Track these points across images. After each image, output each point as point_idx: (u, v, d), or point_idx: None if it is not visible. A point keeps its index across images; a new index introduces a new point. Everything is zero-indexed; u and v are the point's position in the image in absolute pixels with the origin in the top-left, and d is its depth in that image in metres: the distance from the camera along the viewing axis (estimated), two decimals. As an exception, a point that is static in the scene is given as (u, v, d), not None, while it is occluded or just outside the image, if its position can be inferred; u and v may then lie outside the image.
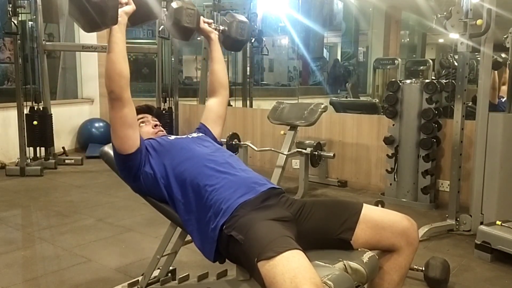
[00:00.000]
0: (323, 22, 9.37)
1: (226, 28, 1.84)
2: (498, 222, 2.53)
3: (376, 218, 1.46)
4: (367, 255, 1.39)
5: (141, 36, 7.95)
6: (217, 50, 1.87)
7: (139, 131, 1.77)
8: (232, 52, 6.29)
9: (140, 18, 1.55)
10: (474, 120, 2.94)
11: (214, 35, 1.84)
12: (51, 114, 4.74)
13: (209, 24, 1.83)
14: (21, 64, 4.48)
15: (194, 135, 1.78)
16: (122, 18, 1.45)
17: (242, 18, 1.87)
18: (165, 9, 4.66)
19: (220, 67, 1.89)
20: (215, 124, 1.88)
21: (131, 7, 1.50)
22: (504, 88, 3.83)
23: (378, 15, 8.93)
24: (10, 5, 4.23)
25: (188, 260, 2.36)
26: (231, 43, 1.88)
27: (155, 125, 1.82)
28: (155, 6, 1.55)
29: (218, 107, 1.90)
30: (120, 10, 1.43)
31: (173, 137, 1.76)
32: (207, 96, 1.94)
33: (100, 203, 3.53)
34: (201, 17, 1.78)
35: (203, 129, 1.86)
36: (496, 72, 3.82)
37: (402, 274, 1.49)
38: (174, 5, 1.70)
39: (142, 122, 1.81)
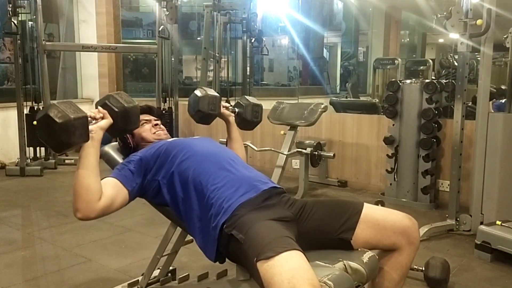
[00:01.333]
0: (323, 22, 9.37)
1: (242, 111, 1.95)
2: (498, 222, 2.53)
3: (377, 218, 1.46)
4: (367, 255, 1.39)
5: (141, 36, 7.96)
6: (235, 131, 1.95)
7: (139, 131, 1.78)
8: (232, 52, 6.30)
9: (121, 129, 1.51)
10: (474, 120, 2.93)
11: (232, 118, 1.93)
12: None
13: (226, 108, 1.91)
14: (21, 64, 4.49)
15: (197, 136, 1.80)
16: (97, 134, 1.40)
17: (255, 101, 1.99)
18: (164, 8, 4.67)
19: (238, 146, 1.96)
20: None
21: (107, 122, 1.44)
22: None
23: (378, 15, 8.94)
24: (10, 5, 4.23)
25: (188, 260, 2.36)
26: (245, 124, 1.98)
27: (155, 125, 1.81)
28: (134, 116, 1.50)
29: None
30: (95, 126, 1.40)
31: (172, 139, 1.76)
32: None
33: (100, 203, 3.53)
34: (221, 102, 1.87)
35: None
36: (490, 102, 3.83)
37: (402, 273, 1.49)
38: (198, 93, 1.78)
39: (145, 122, 1.81)
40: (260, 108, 1.99)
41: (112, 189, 1.47)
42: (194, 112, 1.79)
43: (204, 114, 1.78)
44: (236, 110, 1.95)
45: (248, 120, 1.95)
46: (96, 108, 1.46)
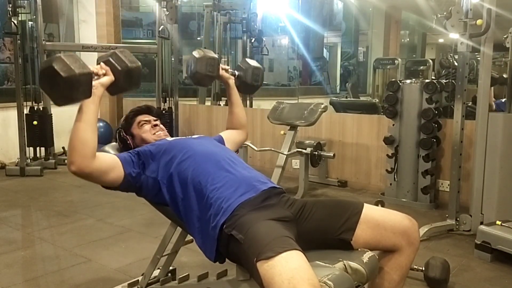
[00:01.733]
0: (323, 22, 9.38)
1: (242, 74, 1.91)
2: (498, 222, 2.53)
3: (377, 218, 1.46)
4: (367, 255, 1.39)
5: (141, 36, 7.96)
6: (235, 94, 1.93)
7: (138, 131, 1.78)
8: (232, 51, 6.30)
9: (122, 88, 1.50)
10: (474, 120, 2.93)
11: (232, 81, 1.90)
12: (51, 114, 4.74)
13: (226, 70, 1.88)
14: (21, 64, 4.49)
15: (196, 136, 1.79)
16: (98, 90, 1.40)
17: (256, 64, 1.96)
18: (164, 8, 4.67)
19: (239, 110, 1.96)
20: (229, 144, 1.90)
21: (108, 79, 1.44)
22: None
23: (378, 15, 8.94)
24: (10, 5, 4.23)
25: (188, 260, 2.36)
26: (245, 88, 1.96)
27: (155, 125, 1.81)
28: (136, 77, 1.50)
29: (237, 136, 1.96)
30: (96, 82, 1.40)
31: (172, 138, 1.76)
32: (226, 127, 2.00)
33: (100, 203, 3.53)
34: (220, 65, 1.84)
35: (218, 138, 1.88)
36: (492, 88, 3.82)
37: (402, 273, 1.49)
38: (196, 54, 1.75)
39: (144, 124, 1.80)
40: (260, 71, 1.96)
41: (110, 160, 1.50)
42: (191, 74, 1.76)
43: (201, 76, 1.74)
44: (236, 73, 1.91)
45: (248, 83, 1.92)
46: (98, 64, 1.46)
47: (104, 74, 1.44)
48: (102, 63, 1.45)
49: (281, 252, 1.18)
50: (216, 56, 1.80)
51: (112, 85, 1.44)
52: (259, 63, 2.02)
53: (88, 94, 1.33)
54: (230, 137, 1.93)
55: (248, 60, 1.97)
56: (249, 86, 1.94)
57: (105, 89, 1.44)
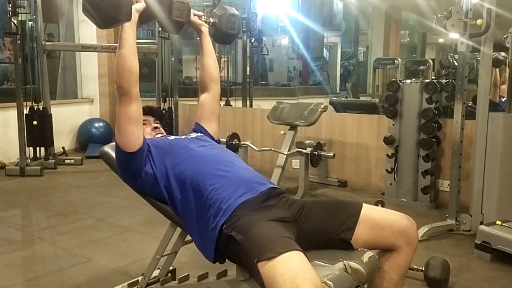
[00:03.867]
0: (323, 22, 9.37)
1: (217, 21, 1.81)
2: (498, 222, 2.53)
3: (376, 218, 1.46)
4: (367, 255, 1.39)
5: (141, 36, 7.95)
6: (207, 43, 1.83)
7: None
8: (232, 51, 6.30)
9: (148, 16, 1.56)
10: (474, 120, 2.93)
11: (205, 28, 1.81)
12: (51, 114, 4.74)
13: (199, 17, 1.79)
14: (21, 64, 4.48)
15: (193, 135, 1.78)
16: (134, 15, 1.47)
17: (233, 11, 1.84)
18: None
19: (210, 61, 1.86)
20: (209, 121, 1.85)
21: (141, 5, 1.52)
22: (504, 88, 3.84)
23: (378, 15, 8.94)
24: (10, 5, 4.23)
25: (188, 260, 2.36)
26: (221, 37, 1.85)
27: (155, 127, 1.81)
28: (165, 5, 1.58)
29: (210, 102, 1.87)
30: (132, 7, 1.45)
31: (172, 137, 1.76)
32: (199, 92, 1.90)
33: (100, 203, 3.53)
34: (192, 10, 1.75)
35: (198, 128, 1.84)
36: (497, 70, 3.82)
37: (402, 273, 1.49)
38: None
39: (144, 124, 1.80)
40: (237, 18, 1.83)
41: (141, 119, 1.58)
42: (160, 19, 1.67)
43: (170, 21, 1.66)
44: (211, 20, 1.81)
45: (223, 31, 1.81)
46: None
47: (137, 1, 1.51)
48: None
49: (282, 252, 1.18)
50: (186, 0, 1.69)
51: (144, 11, 1.52)
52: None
53: (129, 16, 1.41)
54: (206, 112, 1.86)
55: (225, 6, 1.85)
56: (225, 35, 1.83)
57: (138, 15, 1.51)
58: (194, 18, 1.77)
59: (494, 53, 3.03)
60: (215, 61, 1.88)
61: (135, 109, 1.52)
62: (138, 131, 1.54)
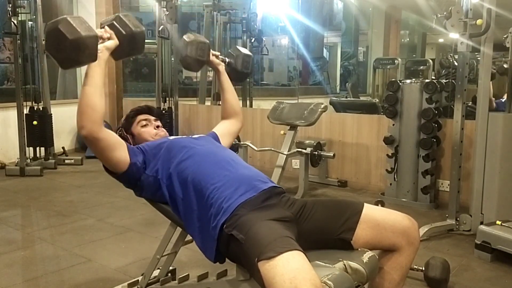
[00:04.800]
0: (323, 22, 9.38)
1: (232, 61, 1.91)
2: (498, 222, 2.53)
3: (377, 218, 1.46)
4: (367, 255, 1.39)
5: (141, 36, 7.95)
6: (226, 81, 1.92)
7: (138, 131, 1.79)
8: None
9: (125, 53, 1.50)
10: (474, 120, 2.93)
11: (222, 67, 1.90)
12: (51, 114, 4.74)
13: (216, 56, 1.88)
14: (21, 64, 4.48)
15: (196, 136, 1.79)
16: (103, 54, 1.41)
17: (247, 52, 1.96)
18: (164, 8, 4.66)
19: (231, 96, 1.94)
20: (225, 137, 1.90)
21: (113, 42, 1.44)
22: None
23: (378, 15, 8.94)
24: (10, 5, 4.23)
25: (188, 260, 2.36)
26: (236, 75, 1.95)
27: (157, 126, 1.82)
28: (140, 41, 1.49)
29: (230, 126, 1.95)
30: (101, 46, 1.39)
31: (172, 137, 1.76)
32: (221, 115, 1.99)
33: (100, 203, 3.53)
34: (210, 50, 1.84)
35: (212, 135, 1.88)
36: (491, 85, 3.82)
37: (402, 273, 1.49)
38: (186, 38, 1.75)
39: (145, 123, 1.81)
40: (251, 59, 1.96)
41: (117, 138, 1.53)
42: (181, 58, 1.77)
43: (191, 59, 1.75)
44: (227, 59, 1.91)
45: (238, 70, 1.92)
46: (102, 27, 1.45)
47: (109, 38, 1.44)
48: (106, 27, 1.44)
49: (283, 252, 1.18)
50: (206, 40, 1.80)
51: (117, 49, 1.45)
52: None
53: (94, 57, 1.33)
54: (224, 129, 1.92)
55: (239, 47, 1.97)
56: (239, 73, 1.94)
57: (109, 53, 1.45)
58: (213, 58, 1.85)
59: (500, 62, 3.02)
60: (235, 94, 1.98)
61: (106, 143, 1.46)
62: (120, 155, 1.51)
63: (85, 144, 1.47)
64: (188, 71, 8.58)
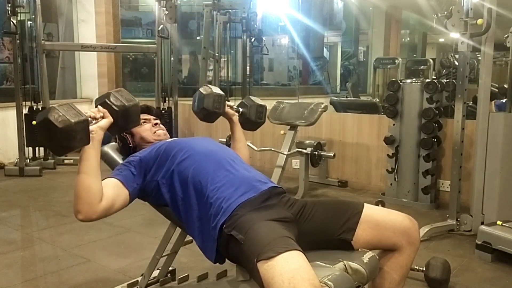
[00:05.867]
0: (323, 21, 9.37)
1: (246, 111, 1.94)
2: (499, 222, 2.52)
3: (378, 218, 1.46)
4: (367, 256, 1.39)
5: (141, 35, 7.95)
6: (238, 131, 1.94)
7: (138, 130, 1.78)
8: (232, 51, 6.29)
9: (120, 129, 1.49)
10: (475, 120, 2.93)
11: (236, 118, 1.92)
12: (51, 114, 4.72)
13: (231, 107, 1.90)
14: (20, 64, 4.48)
15: (196, 136, 1.78)
16: (97, 134, 1.37)
17: (260, 102, 1.98)
18: (164, 8, 4.66)
19: (241, 145, 1.95)
20: None
21: (107, 121, 1.40)
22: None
23: (378, 15, 8.93)
24: (9, 5, 4.22)
25: (187, 260, 2.35)
26: (248, 125, 1.98)
27: (155, 124, 1.81)
28: (135, 114, 1.48)
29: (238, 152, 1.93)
30: (95, 126, 1.37)
31: (172, 139, 1.75)
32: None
33: (99, 203, 3.52)
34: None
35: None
36: (492, 103, 3.83)
37: (403, 273, 1.49)
38: (203, 91, 1.77)
39: (144, 122, 1.80)
40: (264, 109, 1.99)
41: (113, 190, 1.46)
42: (198, 110, 1.79)
43: (208, 112, 1.77)
44: (240, 110, 1.94)
45: (252, 120, 1.95)
46: (96, 107, 1.43)
47: (102, 117, 1.40)
48: (99, 106, 1.42)
49: (282, 252, 1.17)
50: (222, 93, 1.83)
51: (112, 126, 1.42)
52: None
53: (86, 141, 1.31)
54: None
55: (252, 97, 1.99)
56: (253, 123, 1.97)
57: (104, 132, 1.41)
58: (227, 109, 1.87)
59: (500, 61, 3.04)
60: (245, 144, 2.00)
61: (107, 211, 1.41)
62: (121, 203, 1.48)
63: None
64: (188, 71, 8.55)
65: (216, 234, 1.38)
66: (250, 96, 2.01)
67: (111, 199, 1.43)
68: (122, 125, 1.46)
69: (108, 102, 1.42)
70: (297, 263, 1.16)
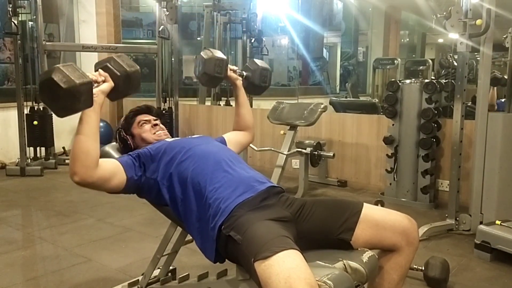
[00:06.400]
0: (322, 22, 9.38)
1: (250, 75, 1.91)
2: (498, 222, 2.53)
3: (377, 218, 1.46)
4: (366, 255, 1.39)
5: (141, 36, 7.96)
6: (242, 95, 1.92)
7: (138, 131, 1.79)
8: (232, 52, 6.30)
9: (122, 93, 1.48)
10: (474, 120, 2.94)
11: (239, 82, 1.90)
12: (51, 114, 4.74)
13: (234, 71, 1.88)
14: (21, 64, 4.49)
15: (196, 136, 1.79)
16: (98, 98, 1.37)
17: (265, 65, 1.95)
18: (164, 9, 4.67)
19: (245, 111, 1.95)
20: (232, 145, 1.88)
21: (108, 85, 1.41)
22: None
23: (377, 15, 8.94)
24: (10, 5, 4.23)
25: (188, 259, 2.36)
26: (253, 89, 1.96)
27: (155, 125, 1.81)
28: (136, 80, 1.47)
29: (241, 137, 1.95)
30: (96, 89, 1.36)
31: (171, 139, 1.76)
32: (233, 126, 1.98)
33: (100, 203, 3.53)
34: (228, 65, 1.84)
35: (220, 140, 1.87)
36: (495, 88, 3.82)
37: (402, 273, 1.49)
38: (204, 55, 1.75)
39: (144, 123, 1.81)
40: (269, 72, 1.95)
41: (112, 166, 1.48)
42: (200, 75, 1.77)
43: (210, 77, 1.75)
44: (244, 73, 1.91)
45: (256, 84, 1.92)
46: (96, 70, 1.43)
47: (104, 81, 1.41)
48: (100, 70, 1.42)
49: (278, 251, 1.18)
50: (224, 57, 1.80)
51: (112, 91, 1.42)
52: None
53: (89, 103, 1.30)
54: (234, 138, 1.92)
55: (256, 60, 1.96)
56: (257, 87, 1.94)
57: (105, 96, 1.42)
58: (230, 73, 1.85)
59: (493, 71, 3.04)
60: (249, 109, 1.98)
61: (101, 182, 1.42)
62: (117, 180, 1.48)
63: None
64: (188, 72, 8.57)
65: (215, 234, 1.39)
66: (254, 59, 1.98)
67: (109, 173, 1.44)
68: (123, 91, 1.45)
69: (110, 66, 1.41)
70: (293, 262, 1.16)
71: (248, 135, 1.97)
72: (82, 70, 1.29)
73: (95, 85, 1.37)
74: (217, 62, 1.74)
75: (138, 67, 1.48)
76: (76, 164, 1.35)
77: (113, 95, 1.44)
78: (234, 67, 1.89)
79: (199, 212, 1.47)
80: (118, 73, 1.41)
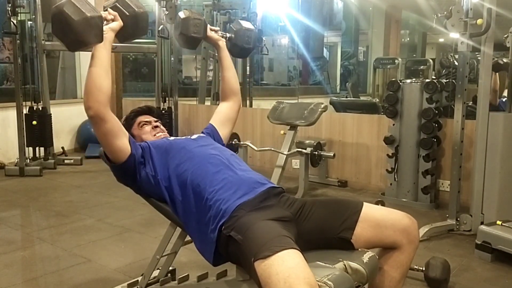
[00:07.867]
0: (323, 21, 9.37)
1: (233, 36, 1.86)
2: (499, 222, 2.53)
3: (377, 217, 1.46)
4: (367, 255, 1.39)
5: (141, 35, 7.96)
6: (225, 57, 1.88)
7: (139, 132, 1.79)
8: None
9: (130, 34, 1.50)
10: (475, 120, 2.93)
11: (222, 43, 1.86)
12: (51, 114, 4.73)
13: (215, 31, 1.84)
14: (20, 64, 4.48)
15: (195, 136, 1.78)
16: (108, 35, 1.42)
17: (248, 25, 1.89)
18: (164, 8, 4.66)
19: (230, 74, 1.90)
20: (223, 126, 1.87)
21: (117, 24, 1.45)
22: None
23: (378, 15, 8.93)
24: (9, 5, 4.22)
25: (187, 260, 2.35)
26: (237, 51, 1.90)
27: (155, 126, 1.81)
28: (144, 22, 1.50)
29: (228, 110, 1.91)
30: (106, 27, 1.40)
31: (172, 138, 1.75)
32: (220, 100, 1.94)
33: (99, 203, 3.53)
34: (208, 25, 1.80)
35: (210, 129, 1.86)
36: (497, 74, 3.81)
37: (403, 272, 1.49)
38: (181, 15, 1.71)
39: (145, 124, 1.81)
40: (253, 33, 1.88)
41: (123, 130, 1.52)
42: (177, 36, 1.73)
43: (186, 38, 1.71)
44: (227, 35, 1.85)
45: (239, 45, 1.86)
46: (105, 10, 1.45)
47: (113, 20, 1.45)
48: (109, 9, 1.45)
49: (278, 251, 1.17)
50: (202, 17, 1.75)
51: (121, 30, 1.46)
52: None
53: (100, 38, 1.34)
54: (222, 117, 1.89)
55: (240, 21, 1.90)
56: (241, 49, 1.88)
57: (115, 35, 1.45)
58: (211, 33, 1.81)
59: (495, 57, 3.02)
60: (234, 74, 1.93)
61: (111, 127, 1.47)
62: (122, 143, 1.51)
63: (91, 123, 1.47)
64: (188, 71, 8.56)
65: (215, 236, 1.39)
66: (239, 20, 1.92)
67: (118, 126, 1.49)
68: (130, 31, 1.48)
69: (119, 6, 1.44)
70: (293, 262, 1.16)
71: (233, 104, 1.92)
72: (92, 5, 1.32)
73: (105, 23, 1.40)
74: (194, 22, 1.70)
75: (146, 9, 1.50)
76: (90, 99, 1.40)
77: (122, 35, 1.47)
78: (216, 28, 1.86)
79: (198, 214, 1.47)
80: (127, 13, 1.44)
